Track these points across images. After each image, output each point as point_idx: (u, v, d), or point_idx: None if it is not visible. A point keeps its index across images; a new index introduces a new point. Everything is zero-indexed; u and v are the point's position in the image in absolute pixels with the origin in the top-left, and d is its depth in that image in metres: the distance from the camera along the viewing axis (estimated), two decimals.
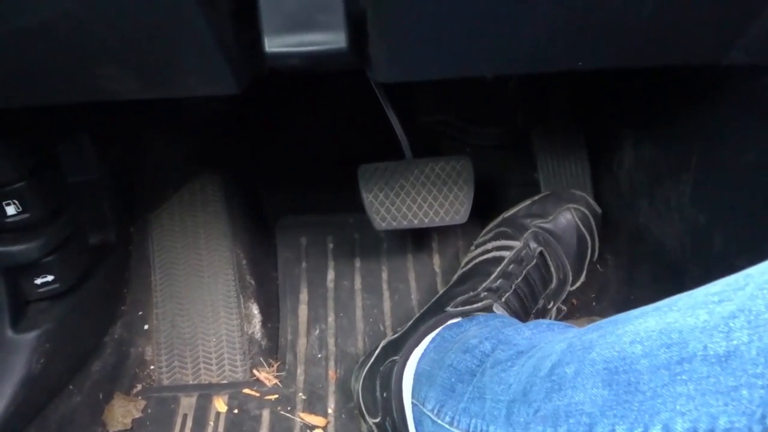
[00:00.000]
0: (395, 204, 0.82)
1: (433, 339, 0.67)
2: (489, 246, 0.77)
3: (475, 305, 0.68)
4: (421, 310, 0.75)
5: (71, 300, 0.73)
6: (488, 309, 0.69)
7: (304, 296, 0.91)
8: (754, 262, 0.61)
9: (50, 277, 0.69)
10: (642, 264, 0.86)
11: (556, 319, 0.80)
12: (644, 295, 0.85)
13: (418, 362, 0.66)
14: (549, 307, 0.76)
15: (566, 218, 0.78)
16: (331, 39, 0.45)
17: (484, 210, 0.95)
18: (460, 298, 0.71)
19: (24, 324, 0.69)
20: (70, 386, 0.76)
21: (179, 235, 0.89)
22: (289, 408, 0.80)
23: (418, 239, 0.96)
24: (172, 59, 0.43)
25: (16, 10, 0.37)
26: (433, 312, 0.72)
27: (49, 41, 0.40)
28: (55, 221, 0.69)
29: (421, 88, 1.02)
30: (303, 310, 0.90)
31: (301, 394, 0.82)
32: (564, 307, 0.79)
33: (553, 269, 0.75)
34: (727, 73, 0.64)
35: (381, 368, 0.70)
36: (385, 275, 0.93)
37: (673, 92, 0.74)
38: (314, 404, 0.80)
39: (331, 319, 0.89)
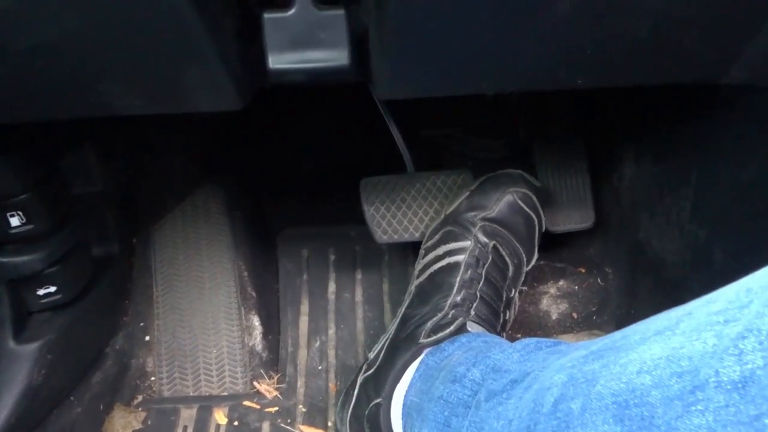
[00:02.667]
0: (396, 217, 0.82)
1: (417, 368, 0.65)
2: (440, 251, 0.74)
3: (447, 330, 0.66)
4: (389, 334, 0.73)
5: (73, 311, 0.73)
6: (461, 330, 0.66)
7: (305, 308, 0.91)
8: None
9: (53, 288, 0.70)
10: (643, 278, 0.86)
11: (519, 301, 0.79)
12: (645, 308, 0.85)
13: (405, 395, 0.64)
14: (512, 295, 0.75)
15: (508, 203, 0.74)
16: (334, 56, 0.46)
17: None
18: (429, 325, 0.68)
19: (26, 335, 0.69)
20: (71, 397, 0.76)
21: (181, 247, 0.89)
22: (289, 420, 0.80)
23: (419, 252, 0.96)
24: (177, 76, 0.44)
25: (22, 29, 0.37)
26: (406, 342, 0.69)
27: (54, 59, 0.40)
28: (58, 233, 0.69)
29: (424, 102, 1.03)
30: (304, 322, 0.90)
31: (301, 406, 0.82)
32: (524, 288, 0.79)
33: (507, 258, 0.73)
34: (726, 90, 0.65)
35: (366, 412, 0.68)
36: (386, 287, 0.93)
37: (674, 108, 0.75)
38: (314, 416, 0.80)
39: (331, 331, 0.89)
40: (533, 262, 0.78)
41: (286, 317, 0.90)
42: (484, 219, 0.74)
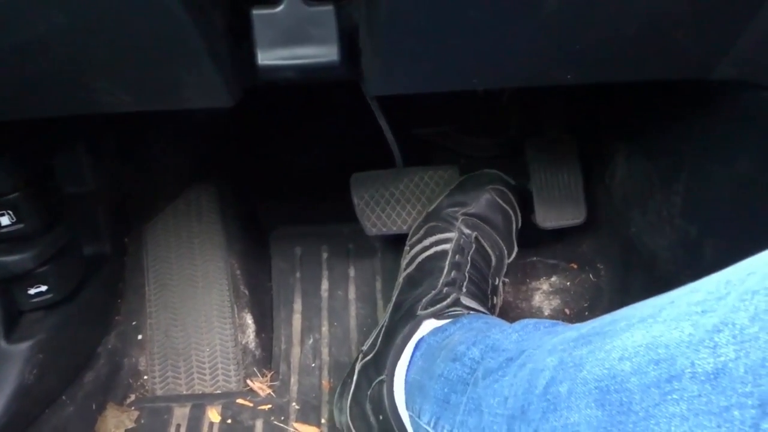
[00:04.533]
0: (385, 210, 0.84)
1: (418, 346, 0.66)
2: (426, 243, 0.78)
3: (444, 303, 0.69)
4: (383, 323, 0.74)
5: (65, 310, 0.73)
6: (456, 303, 0.69)
7: (298, 306, 0.91)
8: None
9: (44, 288, 0.69)
10: (634, 274, 0.86)
11: (503, 290, 0.83)
12: None
13: (407, 372, 0.65)
14: (496, 283, 0.79)
15: (487, 199, 0.80)
16: (324, 52, 0.46)
17: None
18: (425, 300, 0.71)
19: (17, 334, 0.69)
20: (63, 397, 0.75)
21: (173, 246, 0.89)
22: (282, 418, 0.80)
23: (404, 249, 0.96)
24: (167, 73, 0.44)
25: (10, 26, 0.37)
26: (403, 320, 0.71)
27: (43, 56, 0.40)
28: (49, 232, 0.69)
29: (415, 101, 1.03)
30: (297, 320, 0.90)
31: (294, 403, 0.82)
32: (507, 279, 0.83)
33: (489, 249, 0.78)
34: (716, 87, 0.65)
35: (369, 392, 0.69)
36: (379, 285, 0.93)
37: (665, 105, 0.75)
38: (308, 414, 0.80)
39: (325, 328, 0.89)
40: (513, 255, 0.82)
41: (279, 315, 0.90)
42: (465, 214, 0.79)
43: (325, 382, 0.83)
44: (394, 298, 0.77)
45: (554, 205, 0.89)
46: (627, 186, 0.86)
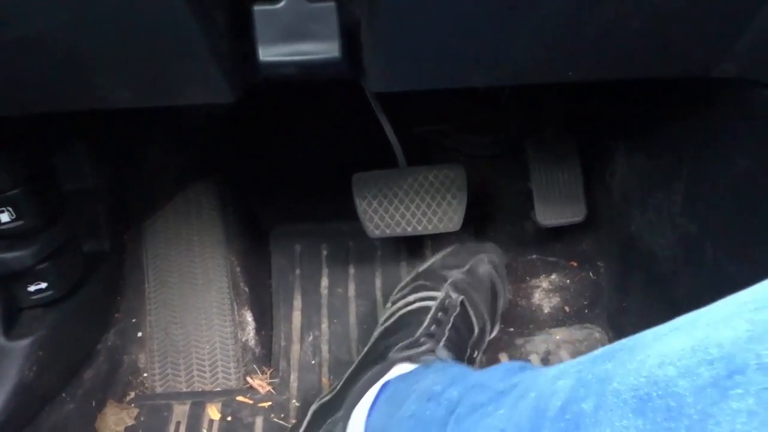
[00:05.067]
0: (389, 211, 0.83)
1: (383, 389, 0.62)
2: (410, 298, 0.76)
3: (420, 349, 0.66)
4: (349, 370, 0.71)
5: (65, 307, 0.73)
6: (431, 353, 0.66)
7: (297, 303, 0.91)
8: (745, 271, 0.62)
9: (44, 285, 0.69)
10: (634, 272, 0.86)
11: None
12: (636, 302, 0.86)
13: (368, 417, 0.61)
14: (474, 356, 0.75)
15: (479, 269, 0.80)
16: (325, 48, 0.46)
17: (477, 218, 0.96)
18: (399, 345, 0.67)
19: (17, 331, 0.68)
20: (63, 394, 0.75)
21: (173, 243, 0.89)
22: (282, 415, 0.80)
23: (411, 247, 0.96)
24: (168, 69, 0.44)
25: (11, 21, 0.37)
26: (372, 363, 0.67)
27: (45, 52, 0.40)
28: (49, 229, 0.69)
29: (416, 98, 1.03)
30: (297, 317, 0.90)
31: (294, 401, 0.82)
32: (484, 358, 0.80)
33: (473, 318, 0.75)
34: (717, 85, 0.65)
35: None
36: (378, 282, 0.93)
37: (665, 103, 0.75)
38: (307, 411, 0.80)
39: (324, 325, 0.89)
40: (495, 332, 0.81)
41: (279, 312, 0.90)
42: (455, 275, 0.77)
43: (324, 380, 0.83)
44: (365, 349, 0.73)
45: (554, 203, 0.89)
46: (627, 184, 0.86)
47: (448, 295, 0.74)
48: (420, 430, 0.52)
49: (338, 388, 0.68)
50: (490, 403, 0.46)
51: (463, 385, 0.52)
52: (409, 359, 0.65)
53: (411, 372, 0.63)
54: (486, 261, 0.81)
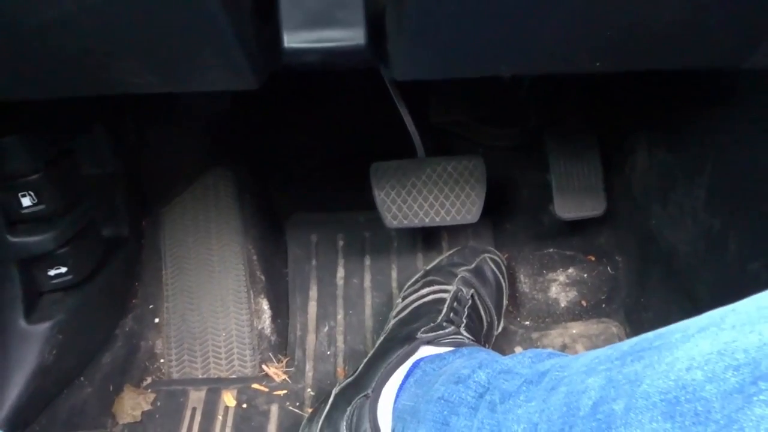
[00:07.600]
0: (407, 202, 0.82)
1: (411, 372, 0.63)
2: (423, 291, 0.77)
3: (444, 331, 0.67)
4: (370, 353, 0.71)
5: (84, 292, 0.74)
6: (457, 334, 0.68)
7: (313, 293, 0.91)
8: None
9: (64, 269, 0.70)
10: (653, 267, 0.85)
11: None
12: (654, 297, 0.85)
13: (397, 398, 0.61)
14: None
15: (485, 266, 0.83)
16: (350, 35, 0.46)
17: (495, 210, 0.95)
18: (424, 329, 0.68)
19: (37, 315, 0.69)
20: (81, 378, 0.76)
21: (191, 230, 0.89)
22: (297, 404, 0.80)
23: (428, 238, 0.96)
24: (193, 55, 0.43)
25: (41, 4, 0.37)
26: (397, 345, 0.68)
27: (71, 35, 0.40)
28: (69, 213, 0.69)
29: (435, 88, 1.02)
30: (312, 307, 0.90)
31: (309, 390, 0.82)
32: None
33: (482, 312, 0.78)
34: (743, 78, 0.64)
35: (346, 412, 0.65)
36: (394, 273, 0.93)
37: (689, 96, 0.74)
38: (323, 399, 0.80)
39: (340, 316, 0.89)
40: (500, 329, 0.83)
41: (295, 302, 0.90)
42: (464, 272, 0.80)
43: (340, 370, 0.84)
44: (381, 338, 0.74)
45: (573, 196, 0.88)
46: (648, 178, 0.85)
47: (459, 289, 0.77)
48: (448, 411, 0.53)
49: (360, 370, 0.69)
50: (521, 393, 0.47)
51: (491, 369, 0.54)
52: (435, 341, 0.67)
53: (439, 355, 0.64)
54: (489, 260, 0.84)
